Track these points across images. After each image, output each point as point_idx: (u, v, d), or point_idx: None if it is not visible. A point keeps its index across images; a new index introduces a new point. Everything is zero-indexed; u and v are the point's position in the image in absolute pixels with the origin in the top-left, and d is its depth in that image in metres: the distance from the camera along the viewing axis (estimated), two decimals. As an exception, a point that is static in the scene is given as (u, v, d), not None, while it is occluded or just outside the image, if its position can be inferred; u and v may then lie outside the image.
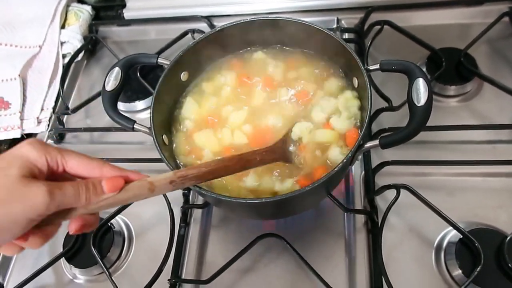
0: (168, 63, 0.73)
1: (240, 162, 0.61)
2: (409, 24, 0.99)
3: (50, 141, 1.02)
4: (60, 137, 1.03)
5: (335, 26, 1.06)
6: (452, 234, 0.74)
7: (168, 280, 0.76)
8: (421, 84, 0.59)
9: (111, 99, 0.69)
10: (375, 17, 1.02)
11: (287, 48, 0.81)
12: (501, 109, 0.87)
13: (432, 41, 0.93)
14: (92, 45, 1.19)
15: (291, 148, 0.70)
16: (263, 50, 0.82)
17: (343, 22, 1.07)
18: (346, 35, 1.05)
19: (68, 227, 0.47)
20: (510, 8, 0.99)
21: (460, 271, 0.69)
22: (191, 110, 0.77)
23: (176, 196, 0.84)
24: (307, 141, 0.70)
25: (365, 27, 1.02)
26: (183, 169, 0.54)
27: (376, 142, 0.60)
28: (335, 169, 0.59)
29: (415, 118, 0.58)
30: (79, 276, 0.82)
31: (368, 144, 0.61)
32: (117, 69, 0.71)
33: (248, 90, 0.78)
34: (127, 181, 0.48)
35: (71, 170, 0.47)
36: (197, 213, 0.85)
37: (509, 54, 0.95)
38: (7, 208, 0.41)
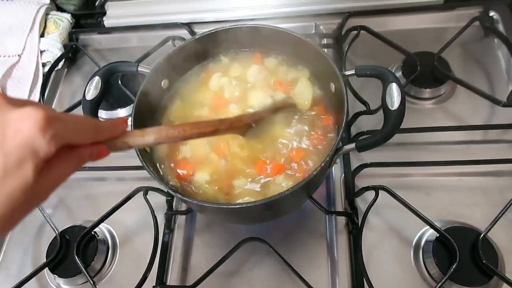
0: (148, 71, 0.74)
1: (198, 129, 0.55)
2: (385, 29, 1.01)
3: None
4: (41, 147, 1.02)
5: (313, 31, 1.08)
6: (430, 233, 0.76)
7: (153, 286, 0.76)
8: (394, 89, 0.61)
9: (92, 108, 0.70)
10: (352, 22, 1.04)
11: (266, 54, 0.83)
12: (474, 111, 0.90)
13: (407, 45, 0.96)
14: (72, 53, 1.18)
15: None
16: (244, 55, 0.83)
17: (321, 27, 1.09)
18: (324, 41, 1.07)
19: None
20: (481, 12, 1.02)
21: (437, 268, 0.71)
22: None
23: (160, 203, 0.85)
24: None
25: (343, 32, 1.04)
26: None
27: (353, 145, 0.62)
28: (314, 172, 0.61)
29: (389, 122, 0.60)
30: (63, 286, 0.81)
31: (345, 147, 0.63)
32: (97, 78, 0.71)
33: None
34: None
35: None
36: (181, 219, 0.85)
37: (481, 57, 0.98)
38: None
